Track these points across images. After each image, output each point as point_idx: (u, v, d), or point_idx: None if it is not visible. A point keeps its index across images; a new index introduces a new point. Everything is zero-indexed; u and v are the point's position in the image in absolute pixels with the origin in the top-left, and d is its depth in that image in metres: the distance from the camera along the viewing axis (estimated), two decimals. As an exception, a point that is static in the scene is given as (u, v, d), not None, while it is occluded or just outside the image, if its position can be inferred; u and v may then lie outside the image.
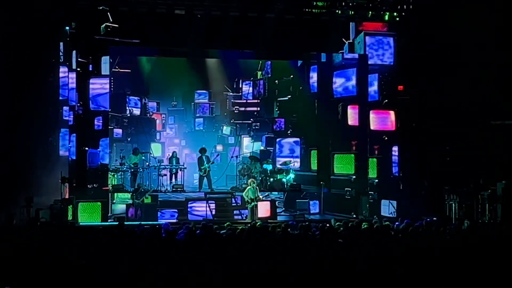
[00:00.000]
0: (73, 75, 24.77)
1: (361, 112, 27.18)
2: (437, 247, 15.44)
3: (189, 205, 25.34)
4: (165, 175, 28.37)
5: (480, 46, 26.30)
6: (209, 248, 15.50)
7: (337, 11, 26.16)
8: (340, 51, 27.07)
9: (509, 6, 25.79)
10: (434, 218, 22.07)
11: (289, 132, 31.32)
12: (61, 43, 25.07)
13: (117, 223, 21.56)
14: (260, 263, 13.64)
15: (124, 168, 27.92)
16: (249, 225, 20.04)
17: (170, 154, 30.14)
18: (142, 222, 22.10)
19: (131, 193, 25.43)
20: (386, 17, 26.68)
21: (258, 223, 20.20)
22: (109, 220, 23.78)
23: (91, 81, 24.85)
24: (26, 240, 16.05)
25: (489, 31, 26.06)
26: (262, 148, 32.09)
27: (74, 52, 24.66)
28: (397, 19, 26.52)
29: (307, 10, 25.97)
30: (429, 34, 26.24)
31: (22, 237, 16.76)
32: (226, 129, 35.00)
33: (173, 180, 28.71)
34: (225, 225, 18.94)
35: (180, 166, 29.00)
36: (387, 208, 25.84)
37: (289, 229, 17.58)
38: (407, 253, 14.59)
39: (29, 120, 24.33)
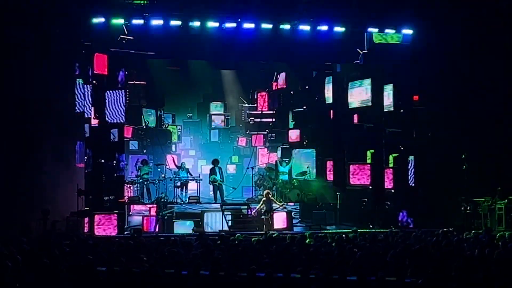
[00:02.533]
0: (88, 88, 24.89)
1: (376, 122, 27.20)
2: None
3: (205, 216, 25.35)
4: (178, 186, 28.42)
5: (496, 53, 26.36)
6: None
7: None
8: (355, 61, 27.09)
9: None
10: (451, 229, 22.06)
11: (304, 142, 31.32)
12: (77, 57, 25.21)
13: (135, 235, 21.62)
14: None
15: (140, 180, 28.04)
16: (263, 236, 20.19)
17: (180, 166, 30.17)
18: (159, 234, 22.24)
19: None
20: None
21: (275, 234, 20.33)
22: (125, 232, 23.84)
23: (108, 94, 24.99)
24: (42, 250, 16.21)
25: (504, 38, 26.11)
26: (278, 158, 32.08)
27: (89, 66, 24.81)
28: (411, 31, 26.52)
29: (321, 21, 26.01)
30: (444, 43, 26.29)
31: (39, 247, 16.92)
32: (242, 141, 35.04)
33: (184, 191, 28.72)
34: (236, 236, 19.10)
35: (196, 178, 29.05)
36: (404, 218, 25.88)
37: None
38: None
39: (46, 132, 24.47)
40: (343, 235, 19.79)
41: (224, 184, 28.42)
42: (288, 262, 15.27)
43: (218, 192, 27.89)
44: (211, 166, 28.75)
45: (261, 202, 25.17)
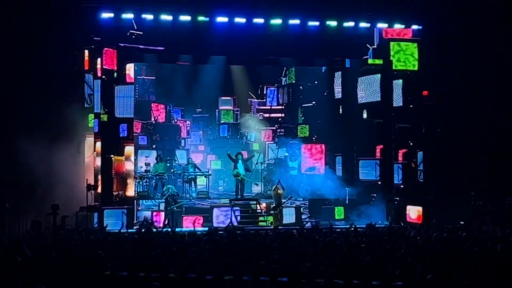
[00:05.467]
0: (97, 83, 24.94)
1: (386, 118, 27.20)
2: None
3: (214, 212, 25.40)
4: (187, 181, 28.49)
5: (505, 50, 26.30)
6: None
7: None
8: (365, 57, 27.09)
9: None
10: (462, 222, 22.09)
11: (314, 138, 31.31)
12: (86, 51, 25.25)
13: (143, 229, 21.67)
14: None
15: (149, 175, 28.11)
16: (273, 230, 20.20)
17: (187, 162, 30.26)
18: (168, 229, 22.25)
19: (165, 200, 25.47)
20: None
21: (283, 229, 20.35)
22: (134, 227, 23.89)
23: (117, 89, 25.05)
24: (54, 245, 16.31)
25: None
26: (286, 154, 32.07)
27: (99, 59, 24.82)
28: (420, 27, 26.54)
29: (331, 16, 26.04)
30: (454, 38, 26.28)
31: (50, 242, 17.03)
32: (251, 136, 34.99)
33: (193, 186, 28.78)
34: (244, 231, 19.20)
35: (205, 173, 29.09)
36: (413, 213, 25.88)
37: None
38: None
39: (56, 127, 24.59)
40: (351, 230, 19.87)
41: (247, 179, 28.33)
42: (297, 258, 15.29)
43: (240, 187, 27.72)
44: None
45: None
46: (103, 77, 24.82)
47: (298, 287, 12.94)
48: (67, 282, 13.46)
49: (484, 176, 26.06)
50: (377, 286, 13.13)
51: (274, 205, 25.12)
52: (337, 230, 20.83)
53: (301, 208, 26.59)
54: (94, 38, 24.68)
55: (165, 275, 13.48)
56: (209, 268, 14.17)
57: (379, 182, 27.12)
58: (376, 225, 21.71)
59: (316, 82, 31.51)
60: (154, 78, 32.09)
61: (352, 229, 20.09)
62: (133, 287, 13.37)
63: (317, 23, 25.93)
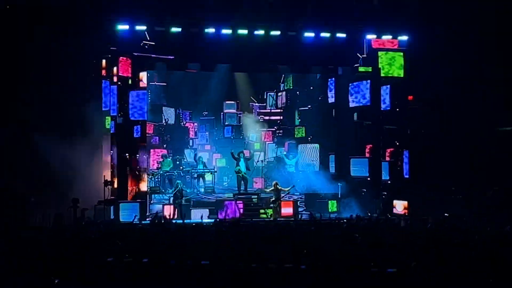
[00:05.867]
0: (114, 88, 25.02)
1: (374, 120, 27.21)
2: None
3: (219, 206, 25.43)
4: (195, 178, 28.52)
5: (485, 56, 26.38)
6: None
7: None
8: (356, 65, 27.11)
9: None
10: (446, 214, 22.13)
11: (309, 138, 31.33)
12: (104, 60, 25.30)
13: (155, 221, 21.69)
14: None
15: (161, 172, 28.15)
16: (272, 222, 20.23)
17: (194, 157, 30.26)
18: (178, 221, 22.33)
19: (173, 194, 25.49)
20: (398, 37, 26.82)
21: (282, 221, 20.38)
22: (147, 219, 23.93)
23: (131, 94, 25.09)
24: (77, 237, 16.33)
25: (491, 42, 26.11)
26: (285, 153, 32.09)
27: (115, 67, 24.89)
28: (406, 37, 26.61)
29: (325, 28, 26.08)
30: (437, 47, 26.32)
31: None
32: (252, 136, 34.99)
33: (202, 181, 28.79)
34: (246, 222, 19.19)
35: (211, 170, 29.13)
36: (399, 207, 25.90)
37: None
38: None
39: (76, 128, 24.64)
40: (344, 221, 19.90)
41: (248, 176, 28.11)
42: (295, 248, 15.31)
43: (242, 182, 27.62)
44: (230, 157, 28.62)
45: (270, 191, 25.41)
46: (119, 83, 24.88)
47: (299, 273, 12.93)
48: (87, 271, 13.46)
49: (466, 173, 26.08)
50: (372, 273, 13.09)
51: (273, 199, 25.14)
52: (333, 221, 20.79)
53: (298, 202, 26.60)
54: (111, 48, 24.75)
55: (181, 261, 13.48)
56: (217, 254, 14.18)
57: (369, 179, 27.13)
58: (365, 217, 21.80)
59: (311, 88, 31.47)
60: (165, 84, 32.06)
61: (347, 220, 20.18)
62: (148, 273, 13.36)
63: (312, 34, 25.96)
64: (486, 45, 26.37)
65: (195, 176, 28.54)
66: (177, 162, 29.33)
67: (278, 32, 25.70)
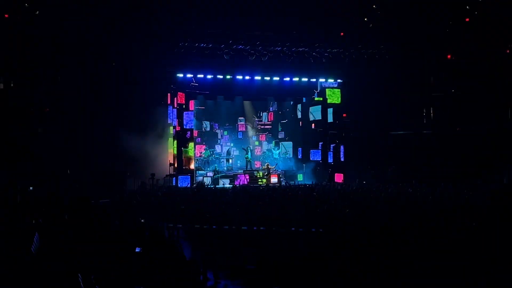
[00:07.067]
0: (174, 110, 24.97)
1: (324, 128, 27.10)
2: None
3: (235, 177, 25.35)
4: (223, 161, 28.44)
5: (385, 92, 26.26)
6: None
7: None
8: (313, 96, 27.11)
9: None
10: (364, 182, 22.00)
11: (286, 138, 31.24)
12: (168, 94, 25.23)
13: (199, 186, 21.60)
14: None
15: (202, 158, 28.05)
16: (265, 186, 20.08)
17: (226, 151, 30.12)
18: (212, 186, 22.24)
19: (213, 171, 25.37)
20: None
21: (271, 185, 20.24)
22: (193, 185, 23.88)
23: (184, 113, 24.96)
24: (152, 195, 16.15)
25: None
26: (273, 147, 31.92)
27: (175, 98, 24.84)
28: (341, 80, 26.55)
29: (295, 75, 26.04)
30: (359, 86, 26.30)
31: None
32: (253, 138, 34.81)
33: (227, 163, 28.69)
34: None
35: (231, 157, 29.03)
36: (338, 177, 25.82)
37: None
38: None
39: (153, 132, 24.54)
40: (307, 186, 19.82)
41: (251, 160, 28.05)
42: (280, 201, 15.27)
43: (249, 164, 27.47)
44: (242, 150, 28.69)
45: (264, 168, 25.40)
46: (177, 107, 24.83)
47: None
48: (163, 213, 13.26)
49: (376, 158, 26.03)
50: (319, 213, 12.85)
51: (266, 173, 25.10)
52: (300, 186, 20.68)
53: (280, 175, 26.54)
54: (172, 86, 24.72)
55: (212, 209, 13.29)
56: (233, 204, 14.10)
57: (321, 161, 27.06)
58: (319, 183, 21.73)
59: (287, 109, 31.37)
60: (203, 108, 31.94)
61: (309, 185, 20.10)
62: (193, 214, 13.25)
63: (288, 79, 25.99)
64: (388, 88, 26.40)
65: (222, 160, 28.43)
66: (211, 153, 29.18)
67: (268, 78, 25.76)
